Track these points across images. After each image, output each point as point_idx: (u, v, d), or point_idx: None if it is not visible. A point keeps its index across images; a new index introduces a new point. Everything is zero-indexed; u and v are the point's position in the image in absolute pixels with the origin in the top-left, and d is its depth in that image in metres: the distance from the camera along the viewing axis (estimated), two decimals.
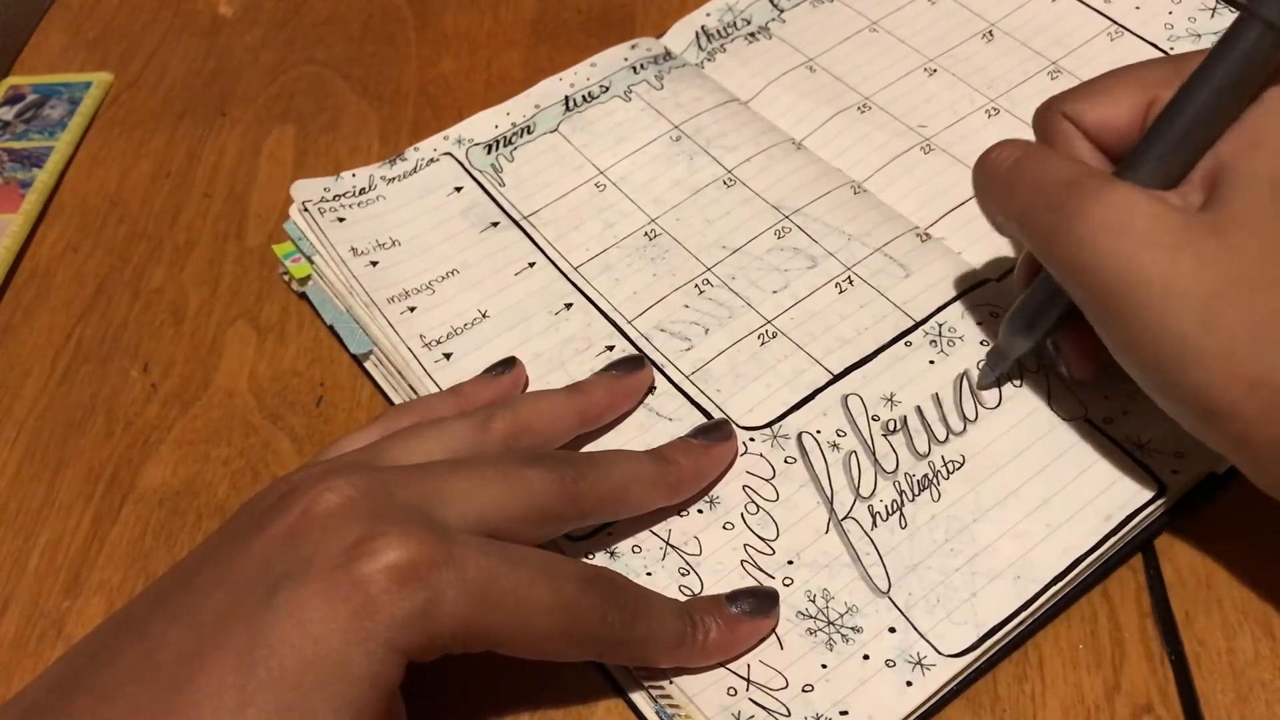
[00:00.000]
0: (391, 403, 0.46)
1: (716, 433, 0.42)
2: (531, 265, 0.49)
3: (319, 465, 0.36)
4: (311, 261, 0.49)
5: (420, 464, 0.36)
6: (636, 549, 0.40)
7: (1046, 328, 0.41)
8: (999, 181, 0.39)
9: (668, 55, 0.56)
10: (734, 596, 0.38)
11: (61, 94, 0.60)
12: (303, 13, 0.64)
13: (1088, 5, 0.58)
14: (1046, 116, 0.40)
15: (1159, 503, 0.40)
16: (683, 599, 0.38)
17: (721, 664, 0.37)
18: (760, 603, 0.38)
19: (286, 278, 0.51)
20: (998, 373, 0.43)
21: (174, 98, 0.60)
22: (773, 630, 0.38)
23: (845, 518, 0.40)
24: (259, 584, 0.31)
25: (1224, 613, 0.39)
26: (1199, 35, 0.55)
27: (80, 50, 0.63)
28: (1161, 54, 0.55)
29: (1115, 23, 0.57)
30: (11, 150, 0.57)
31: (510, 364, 0.44)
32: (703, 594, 0.39)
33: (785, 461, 0.42)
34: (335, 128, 0.58)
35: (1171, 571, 0.40)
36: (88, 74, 0.61)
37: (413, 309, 0.47)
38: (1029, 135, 0.52)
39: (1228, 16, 0.56)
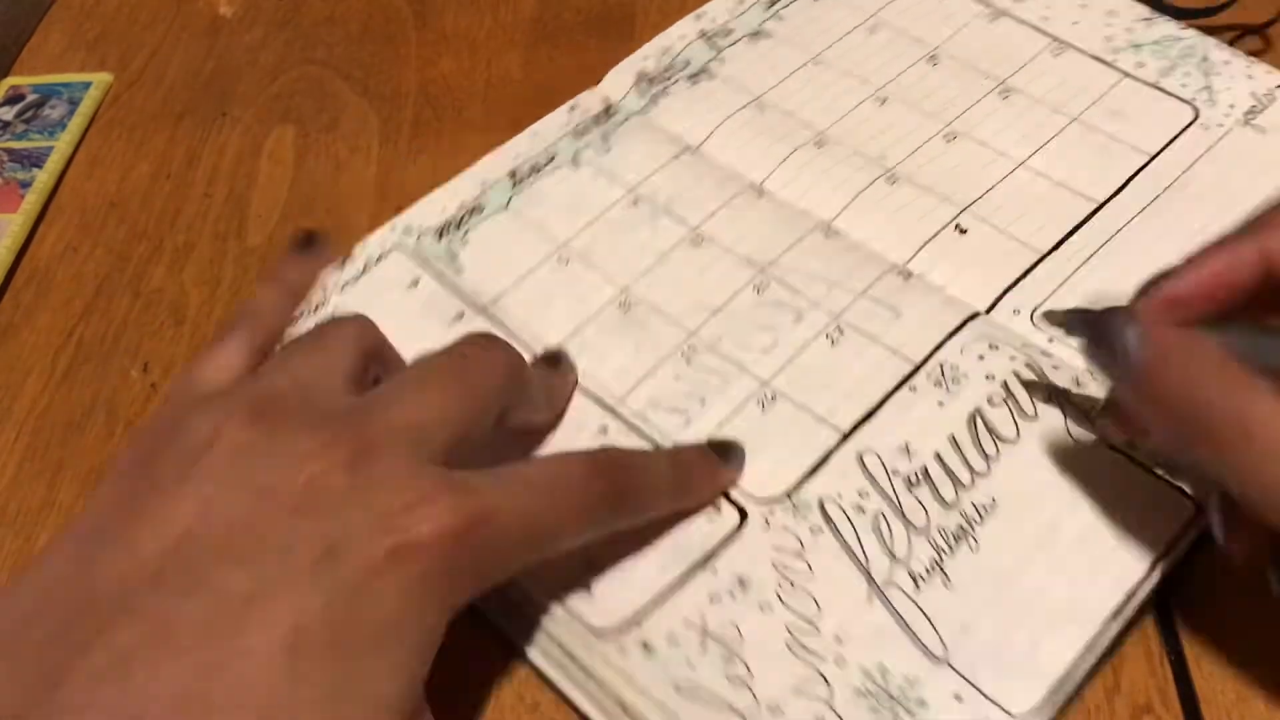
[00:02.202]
0: None
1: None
2: None
3: (254, 405, 0.33)
4: None
5: (391, 392, 0.35)
6: (673, 641, 0.37)
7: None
8: (1136, 384, 0.34)
9: (609, 110, 0.54)
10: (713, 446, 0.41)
11: (61, 94, 0.59)
12: (303, 13, 0.64)
13: (1026, 23, 0.57)
14: (1165, 334, 0.34)
15: (1198, 520, 0.39)
16: (733, 688, 0.36)
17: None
18: (734, 453, 0.41)
19: None
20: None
21: (174, 98, 0.60)
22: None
23: (886, 584, 0.38)
24: (291, 561, 0.29)
25: (1224, 613, 0.38)
26: (1139, 46, 0.55)
27: (80, 50, 0.63)
28: (1104, 66, 0.54)
29: (1055, 39, 0.56)
30: (11, 150, 0.57)
31: (311, 240, 0.45)
32: (755, 682, 0.36)
33: (811, 532, 0.40)
34: (335, 128, 0.57)
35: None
36: (88, 74, 0.61)
37: None
38: (989, 156, 0.51)
39: (1165, 26, 0.56)
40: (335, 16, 0.64)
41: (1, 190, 0.55)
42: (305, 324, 0.47)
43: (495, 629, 0.40)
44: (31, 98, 0.59)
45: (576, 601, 0.38)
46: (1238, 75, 0.53)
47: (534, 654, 0.39)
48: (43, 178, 0.55)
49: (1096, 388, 0.42)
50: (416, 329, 0.47)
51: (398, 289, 0.48)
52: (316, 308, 0.48)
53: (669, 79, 0.55)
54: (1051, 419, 0.41)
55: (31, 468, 0.45)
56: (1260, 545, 0.36)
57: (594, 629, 0.38)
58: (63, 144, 0.57)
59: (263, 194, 0.55)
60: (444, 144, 0.57)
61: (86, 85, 0.60)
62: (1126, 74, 0.54)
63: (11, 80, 0.61)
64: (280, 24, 0.64)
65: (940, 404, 0.42)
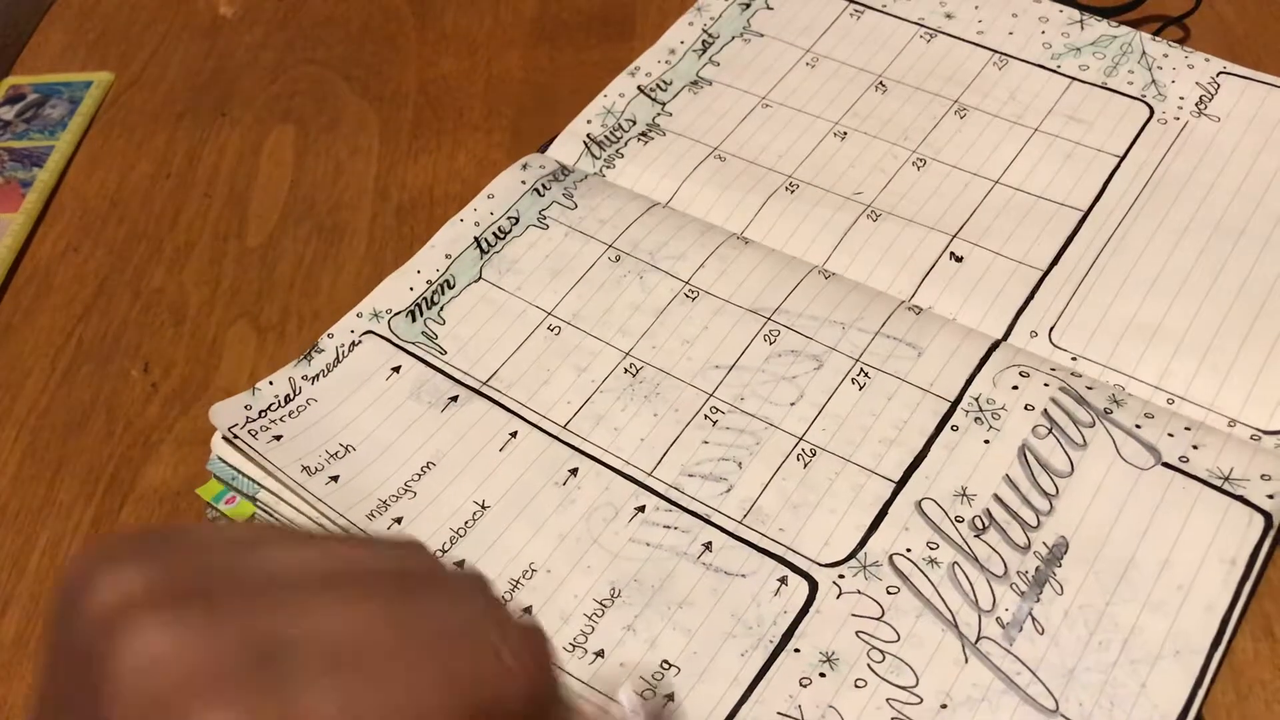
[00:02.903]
0: None
1: None
2: (514, 435, 0.42)
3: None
4: (254, 501, 0.41)
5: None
6: None
7: None
8: None
9: (564, 170, 0.51)
10: None
11: (62, 93, 0.59)
12: (303, 13, 0.63)
13: (963, 39, 0.56)
14: None
15: (1272, 532, 0.38)
16: None
17: None
18: None
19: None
20: None
21: (174, 97, 0.60)
22: None
23: (979, 639, 0.36)
24: None
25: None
26: (1078, 49, 0.55)
27: (81, 50, 0.63)
28: (1050, 73, 0.54)
29: (996, 51, 0.56)
30: (12, 150, 0.56)
31: None
32: None
33: (888, 593, 0.37)
34: (335, 128, 0.57)
35: None
36: (88, 74, 0.61)
37: (399, 520, 0.40)
38: (963, 178, 0.50)
39: (1097, 27, 0.56)
40: (335, 16, 0.63)
41: (2, 189, 0.54)
42: (278, 416, 0.43)
43: None
44: (32, 97, 0.59)
45: (666, 713, 0.35)
46: (1179, 66, 0.53)
47: None
48: (43, 177, 0.55)
49: (1135, 404, 0.41)
50: (407, 417, 0.43)
51: (379, 377, 0.44)
52: (287, 400, 0.44)
53: (619, 140, 0.53)
54: (1101, 444, 0.40)
55: (32, 467, 0.45)
56: None
57: None
58: (63, 143, 0.57)
59: (263, 194, 0.54)
60: (444, 144, 0.55)
61: (87, 84, 0.60)
62: (1073, 78, 0.54)
63: (12, 80, 0.61)
64: (280, 24, 0.63)
65: (986, 442, 0.41)
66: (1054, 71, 0.54)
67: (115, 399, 0.47)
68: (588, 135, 0.53)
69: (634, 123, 0.54)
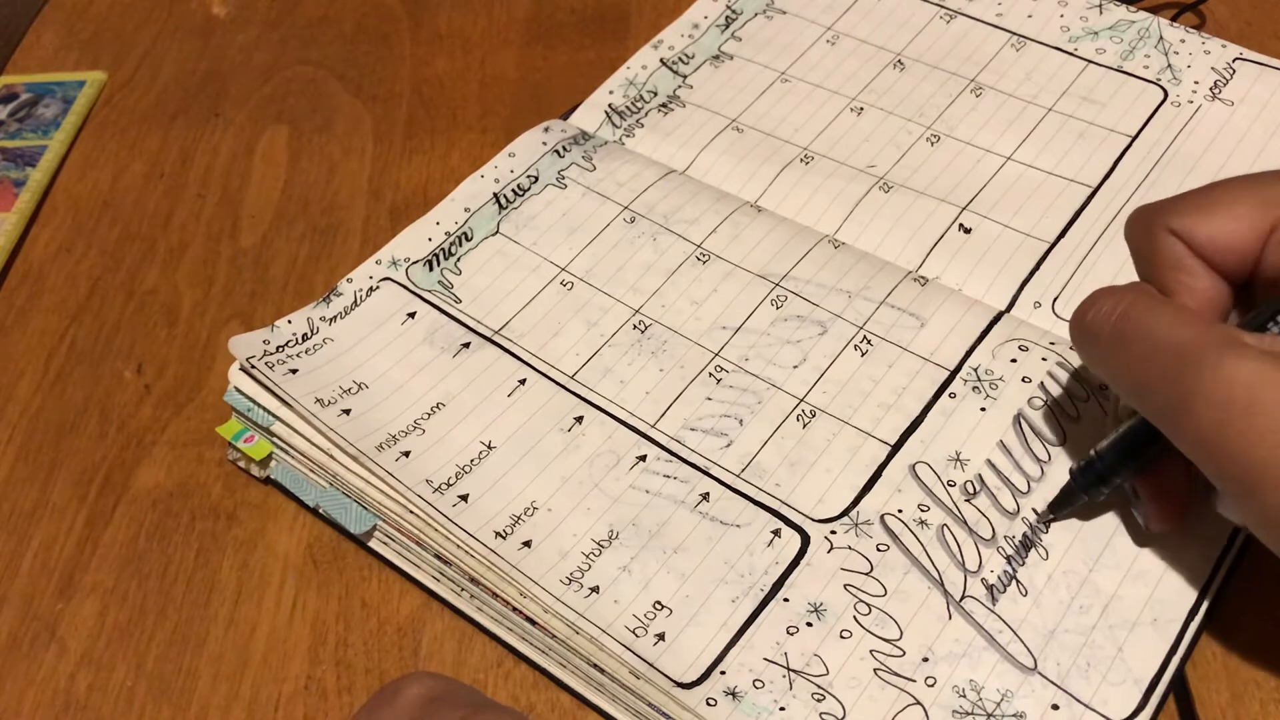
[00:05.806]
0: (418, 584, 0.41)
1: None
2: (523, 383, 0.44)
3: None
4: (270, 434, 0.43)
5: None
6: (759, 683, 0.36)
7: (1129, 473, 0.37)
8: (1103, 345, 0.35)
9: (585, 135, 0.52)
10: None
11: (55, 93, 0.59)
12: (296, 13, 0.63)
13: (982, 21, 0.57)
14: (1151, 233, 0.36)
15: None
16: None
17: None
18: None
19: (242, 464, 0.44)
20: (1064, 511, 0.39)
21: (167, 98, 0.60)
22: None
23: (963, 598, 0.37)
24: None
25: (1220, 612, 0.38)
26: (1095, 33, 0.56)
27: (74, 50, 0.63)
28: (1066, 56, 0.55)
29: (1014, 33, 0.56)
30: (5, 149, 0.56)
31: None
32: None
33: (878, 550, 0.39)
34: (329, 128, 0.57)
35: None
36: (81, 73, 0.61)
37: (406, 454, 0.41)
38: (976, 154, 0.51)
39: (1116, 11, 0.56)
40: (329, 16, 0.63)
41: None
42: (295, 352, 0.44)
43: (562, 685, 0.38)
44: (25, 97, 0.59)
45: (655, 651, 0.36)
46: (1195, 51, 0.54)
47: (614, 710, 0.37)
48: (36, 176, 0.55)
49: None
50: (420, 360, 0.44)
51: (394, 321, 0.46)
52: (304, 338, 0.45)
53: (640, 111, 0.54)
54: (1094, 417, 0.41)
55: (25, 469, 0.45)
56: (1179, 500, 0.37)
57: (679, 682, 0.36)
58: (56, 143, 0.57)
59: (256, 194, 0.54)
60: (438, 144, 0.55)
61: (80, 84, 0.60)
62: (1089, 61, 0.55)
63: (5, 79, 0.61)
64: (274, 24, 0.63)
65: (983, 409, 0.42)
66: (1070, 54, 0.55)
67: (108, 400, 0.47)
68: (609, 105, 0.54)
69: (655, 94, 0.55)
